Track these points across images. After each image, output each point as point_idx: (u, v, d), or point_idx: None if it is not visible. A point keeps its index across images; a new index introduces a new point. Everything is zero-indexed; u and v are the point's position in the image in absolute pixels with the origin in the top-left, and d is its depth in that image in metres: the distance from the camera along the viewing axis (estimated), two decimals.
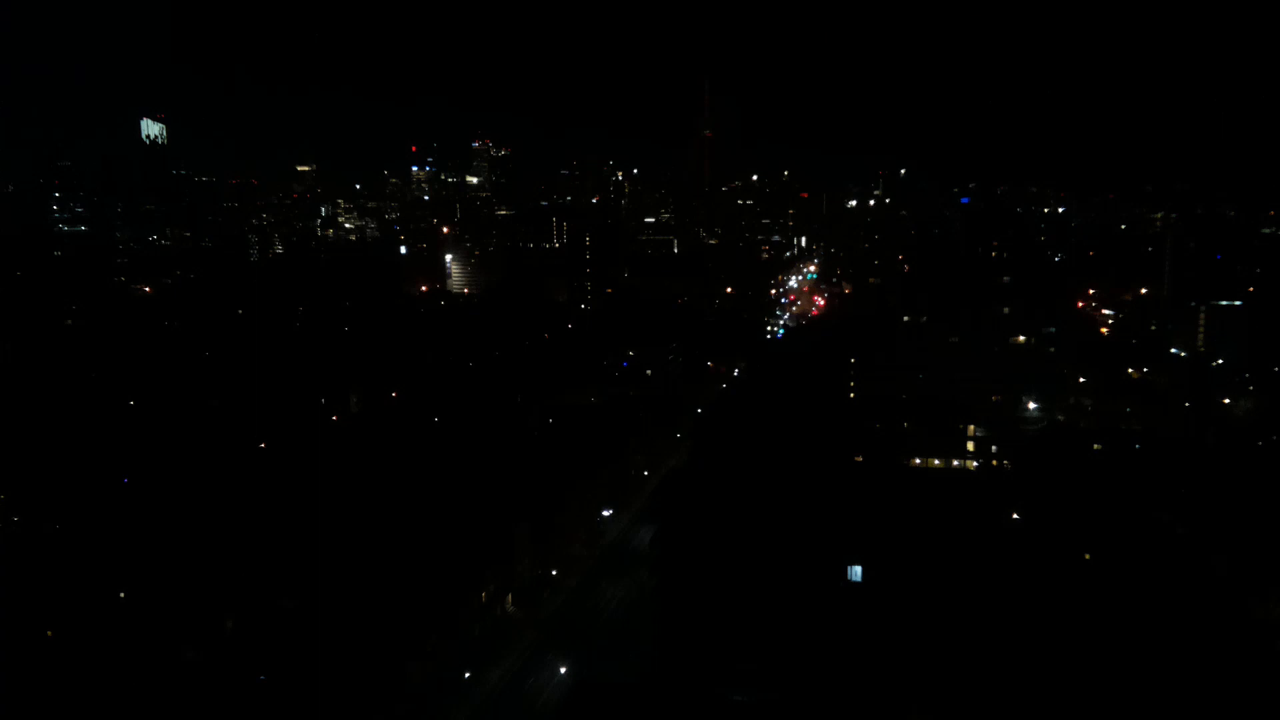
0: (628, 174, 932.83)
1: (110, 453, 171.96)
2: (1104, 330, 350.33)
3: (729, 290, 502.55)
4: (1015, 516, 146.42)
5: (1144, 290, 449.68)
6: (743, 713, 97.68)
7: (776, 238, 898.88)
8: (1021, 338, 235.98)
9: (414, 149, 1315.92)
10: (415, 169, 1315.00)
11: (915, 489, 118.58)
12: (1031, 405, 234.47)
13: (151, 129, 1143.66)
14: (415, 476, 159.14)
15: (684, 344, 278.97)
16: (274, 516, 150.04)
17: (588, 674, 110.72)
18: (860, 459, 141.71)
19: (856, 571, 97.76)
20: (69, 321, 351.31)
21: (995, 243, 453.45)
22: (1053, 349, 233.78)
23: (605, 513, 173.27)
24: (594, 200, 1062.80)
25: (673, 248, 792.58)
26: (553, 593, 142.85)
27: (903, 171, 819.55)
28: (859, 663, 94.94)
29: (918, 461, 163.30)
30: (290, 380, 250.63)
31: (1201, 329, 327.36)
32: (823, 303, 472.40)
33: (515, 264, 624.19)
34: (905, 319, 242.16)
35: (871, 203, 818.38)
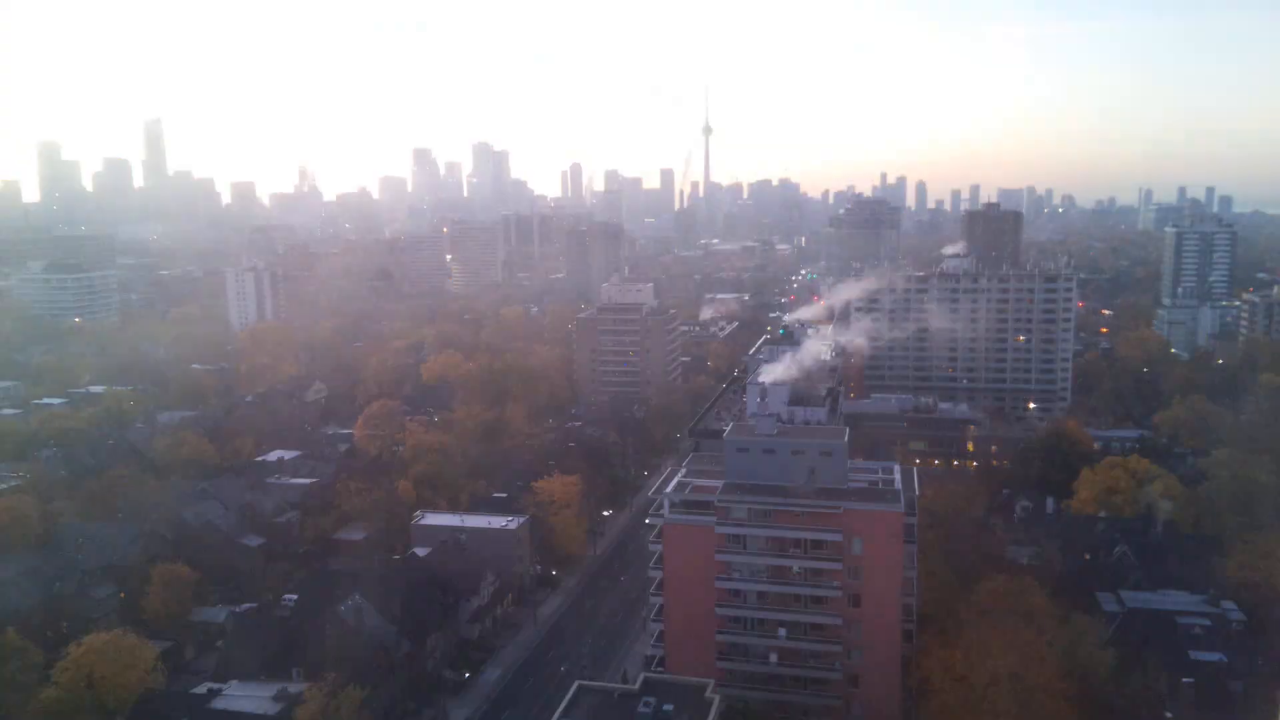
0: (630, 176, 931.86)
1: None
2: (1103, 330, 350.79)
3: (729, 289, 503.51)
4: (1015, 515, 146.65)
5: (1144, 290, 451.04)
6: (742, 713, 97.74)
7: (776, 237, 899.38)
8: (1022, 337, 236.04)
9: (414, 149, 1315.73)
10: (415, 169, 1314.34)
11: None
12: (1032, 405, 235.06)
13: (151, 128, 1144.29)
14: (415, 475, 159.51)
15: (684, 343, 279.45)
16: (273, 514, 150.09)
17: (587, 674, 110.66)
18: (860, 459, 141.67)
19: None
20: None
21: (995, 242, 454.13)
22: (1053, 347, 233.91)
23: (605, 513, 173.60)
24: (595, 200, 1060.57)
25: (673, 248, 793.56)
26: (553, 593, 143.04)
27: (903, 174, 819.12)
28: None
29: (919, 461, 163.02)
30: (290, 379, 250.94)
31: (1201, 328, 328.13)
32: (823, 303, 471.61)
33: (516, 264, 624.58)
34: (905, 316, 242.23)
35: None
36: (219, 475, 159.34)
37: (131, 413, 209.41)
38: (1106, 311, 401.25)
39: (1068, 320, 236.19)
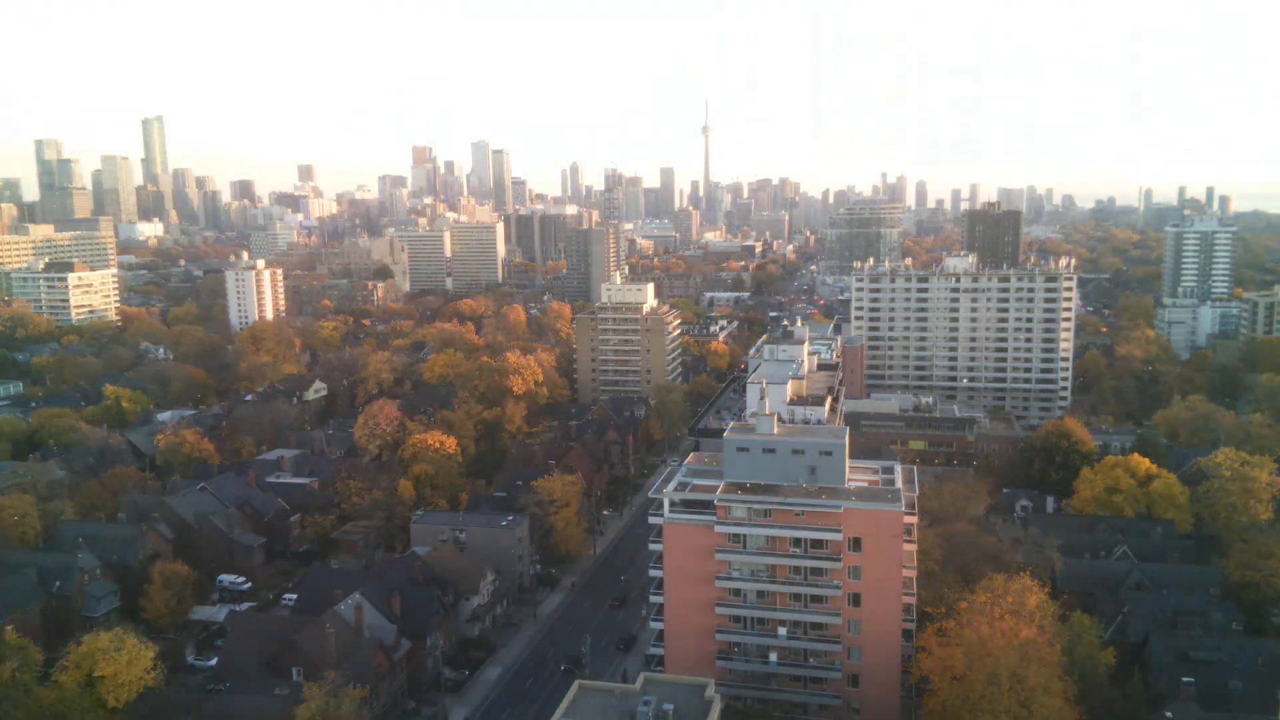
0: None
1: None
2: (1104, 329, 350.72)
3: (729, 288, 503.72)
4: (1015, 514, 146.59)
5: (1144, 289, 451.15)
6: (742, 712, 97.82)
7: (777, 237, 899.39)
8: (1021, 336, 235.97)
9: (414, 148, 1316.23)
10: (415, 168, 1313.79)
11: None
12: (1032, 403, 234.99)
13: (151, 128, 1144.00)
14: (414, 474, 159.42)
15: (684, 342, 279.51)
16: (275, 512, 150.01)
17: (587, 674, 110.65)
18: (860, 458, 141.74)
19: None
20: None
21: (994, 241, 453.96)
22: (1053, 346, 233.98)
23: (605, 511, 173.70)
24: (594, 199, 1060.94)
25: (673, 246, 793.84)
26: (552, 591, 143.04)
27: (903, 174, 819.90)
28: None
29: (919, 461, 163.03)
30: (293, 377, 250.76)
31: (1201, 328, 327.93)
32: (823, 302, 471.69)
33: (516, 263, 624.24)
34: (905, 315, 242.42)
35: (872, 201, 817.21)
36: (219, 475, 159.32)
37: (131, 412, 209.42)
38: (1107, 311, 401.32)
39: (1068, 320, 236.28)
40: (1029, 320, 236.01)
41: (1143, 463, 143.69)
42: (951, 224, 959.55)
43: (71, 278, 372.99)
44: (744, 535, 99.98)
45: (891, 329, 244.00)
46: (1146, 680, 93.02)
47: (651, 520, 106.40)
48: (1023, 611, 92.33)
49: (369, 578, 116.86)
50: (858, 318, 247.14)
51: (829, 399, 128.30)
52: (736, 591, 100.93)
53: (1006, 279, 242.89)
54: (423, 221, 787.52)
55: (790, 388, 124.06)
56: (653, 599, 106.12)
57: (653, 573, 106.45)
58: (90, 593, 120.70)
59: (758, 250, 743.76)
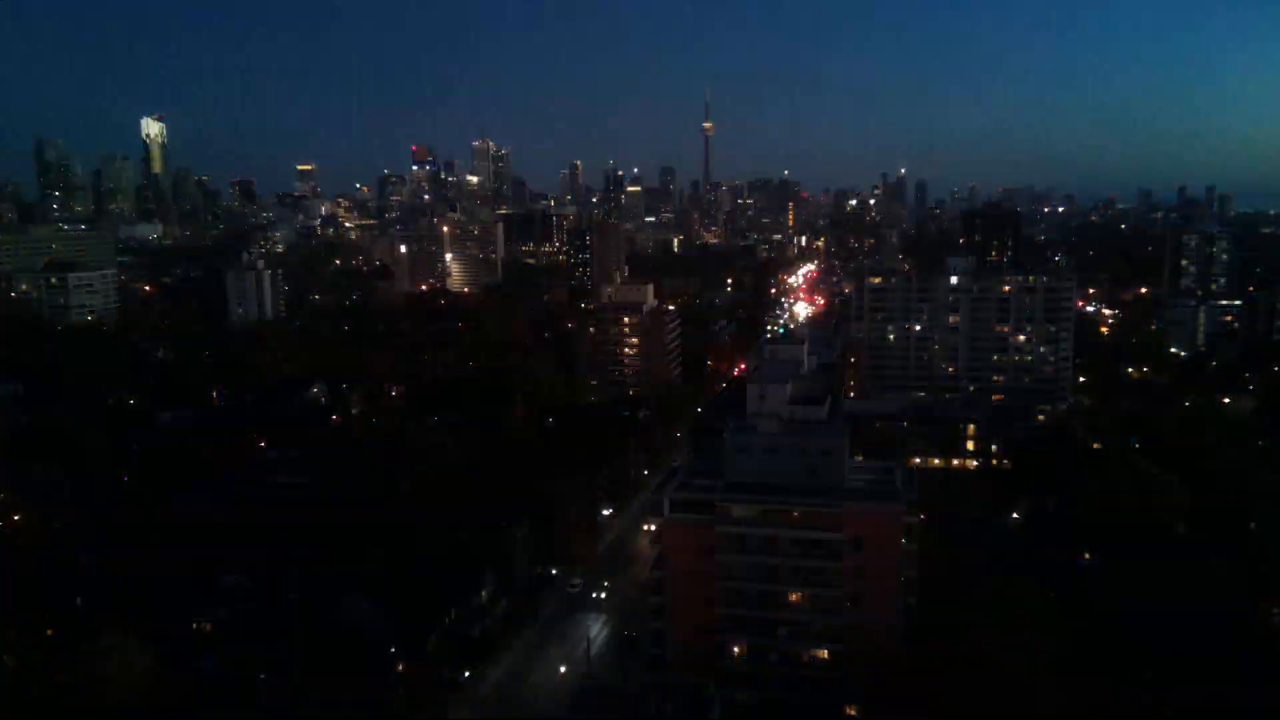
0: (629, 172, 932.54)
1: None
2: (1104, 329, 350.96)
3: (729, 288, 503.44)
4: (1015, 515, 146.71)
5: (1144, 289, 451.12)
6: (742, 712, 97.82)
7: (777, 236, 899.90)
8: (1021, 336, 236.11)
9: (414, 148, 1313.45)
10: (415, 168, 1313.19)
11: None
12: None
13: (151, 128, 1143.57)
14: (414, 474, 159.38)
15: (684, 343, 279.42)
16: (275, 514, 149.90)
17: (588, 674, 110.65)
18: (860, 458, 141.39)
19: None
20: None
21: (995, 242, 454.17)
22: (1053, 346, 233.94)
23: (605, 512, 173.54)
24: (594, 199, 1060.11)
25: (673, 247, 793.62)
26: (552, 591, 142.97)
27: (902, 171, 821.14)
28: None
29: (918, 461, 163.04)
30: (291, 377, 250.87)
31: (1201, 328, 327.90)
32: (823, 302, 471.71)
33: (516, 263, 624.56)
34: (905, 315, 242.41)
35: (872, 201, 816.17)
36: (219, 475, 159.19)
37: (132, 413, 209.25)
38: (1106, 311, 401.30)
39: (1067, 320, 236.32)
40: (1029, 321, 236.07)
41: (1143, 463, 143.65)
42: (952, 223, 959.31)
43: (71, 278, 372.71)
44: (744, 535, 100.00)
45: (891, 329, 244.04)
46: (1147, 683, 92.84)
47: (651, 521, 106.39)
48: (1023, 613, 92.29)
49: (369, 578, 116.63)
50: (858, 318, 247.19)
51: (829, 399, 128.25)
52: (736, 592, 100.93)
53: (1006, 279, 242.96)
54: (423, 221, 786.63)
55: (790, 388, 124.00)
56: (652, 599, 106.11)
57: (652, 573, 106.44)
58: (90, 593, 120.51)
59: (758, 251, 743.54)
